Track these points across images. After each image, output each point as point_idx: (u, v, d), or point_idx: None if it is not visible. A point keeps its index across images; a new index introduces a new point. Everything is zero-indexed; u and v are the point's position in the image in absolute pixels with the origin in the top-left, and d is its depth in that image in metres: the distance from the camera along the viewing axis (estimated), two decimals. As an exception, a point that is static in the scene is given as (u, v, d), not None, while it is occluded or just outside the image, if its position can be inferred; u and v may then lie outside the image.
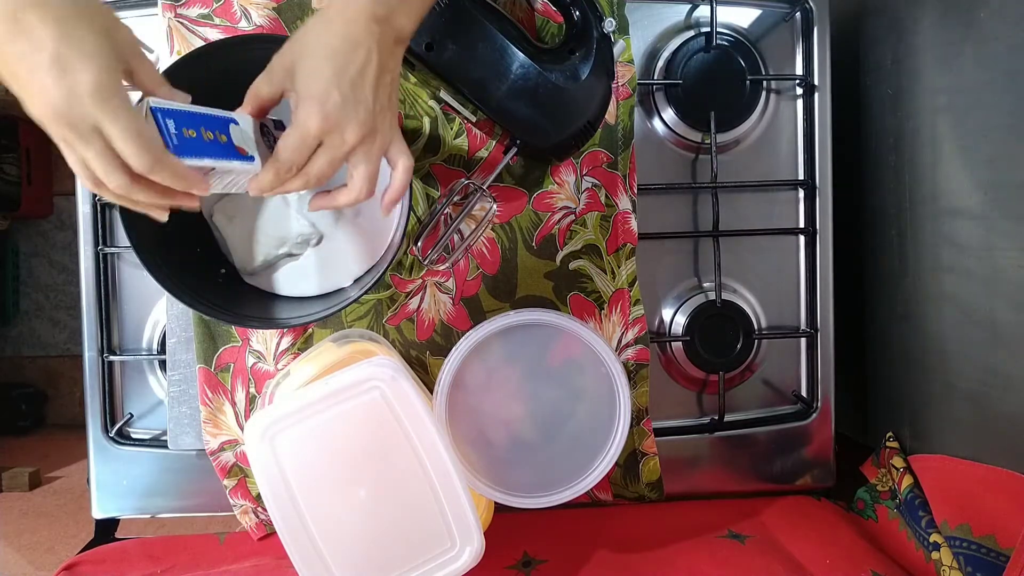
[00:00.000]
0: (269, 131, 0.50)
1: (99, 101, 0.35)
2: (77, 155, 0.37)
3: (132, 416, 0.66)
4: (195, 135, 0.42)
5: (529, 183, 0.63)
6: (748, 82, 0.65)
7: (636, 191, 0.64)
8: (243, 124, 0.47)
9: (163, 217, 0.42)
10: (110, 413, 0.65)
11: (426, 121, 0.61)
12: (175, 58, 0.59)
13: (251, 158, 0.45)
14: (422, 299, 0.62)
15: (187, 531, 0.66)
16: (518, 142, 0.58)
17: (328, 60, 0.41)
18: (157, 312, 0.66)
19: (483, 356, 0.54)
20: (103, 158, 0.37)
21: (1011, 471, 0.52)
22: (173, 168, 0.39)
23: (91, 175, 0.38)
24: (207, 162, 0.42)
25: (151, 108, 0.40)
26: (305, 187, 0.45)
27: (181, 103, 0.42)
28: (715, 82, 0.65)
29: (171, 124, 0.40)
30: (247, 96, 0.45)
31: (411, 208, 0.54)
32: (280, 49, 0.44)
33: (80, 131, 0.36)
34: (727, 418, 0.66)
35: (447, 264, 0.62)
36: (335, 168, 0.44)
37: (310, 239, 0.58)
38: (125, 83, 0.39)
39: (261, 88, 0.44)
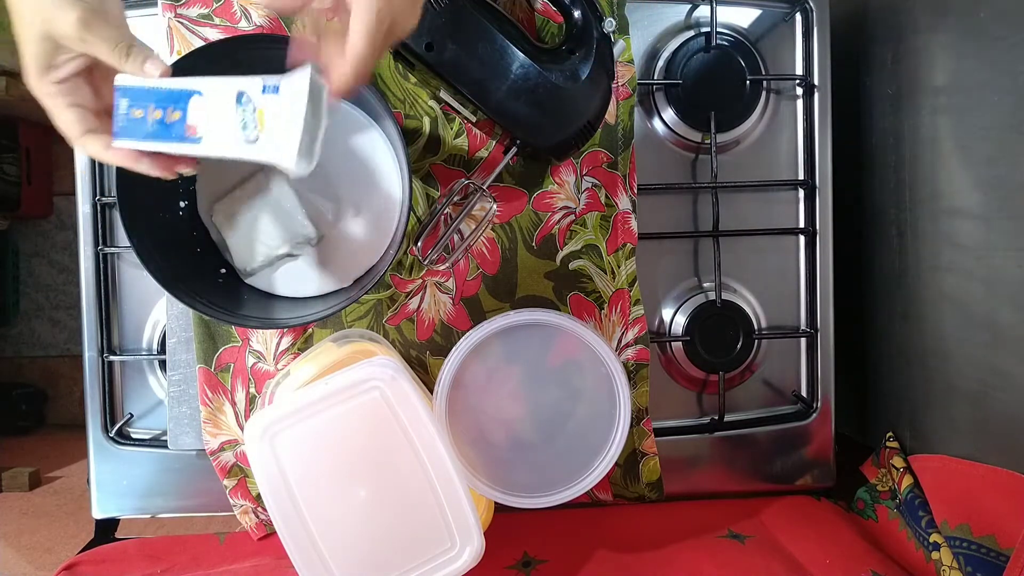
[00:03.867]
0: (250, 99, 0.43)
1: (33, 81, 0.40)
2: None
3: (132, 416, 0.66)
4: (141, 115, 0.43)
5: (529, 183, 0.63)
6: (748, 82, 0.65)
7: (636, 191, 0.63)
8: (209, 95, 0.43)
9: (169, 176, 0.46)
10: (110, 413, 0.65)
11: (426, 121, 0.61)
12: (175, 58, 0.59)
13: (197, 139, 0.43)
14: (422, 299, 0.62)
15: (187, 531, 0.66)
16: (518, 142, 0.58)
17: None
18: (157, 312, 0.66)
19: (483, 356, 0.54)
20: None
21: (1011, 471, 0.51)
22: (92, 150, 0.43)
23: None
24: (140, 145, 0.43)
25: (115, 86, 0.43)
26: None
27: (147, 78, 0.43)
28: (715, 82, 0.65)
29: (124, 104, 0.43)
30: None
31: (411, 208, 0.54)
32: None
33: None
34: (727, 418, 0.66)
35: (447, 264, 0.62)
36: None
37: (310, 239, 0.58)
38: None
39: None
